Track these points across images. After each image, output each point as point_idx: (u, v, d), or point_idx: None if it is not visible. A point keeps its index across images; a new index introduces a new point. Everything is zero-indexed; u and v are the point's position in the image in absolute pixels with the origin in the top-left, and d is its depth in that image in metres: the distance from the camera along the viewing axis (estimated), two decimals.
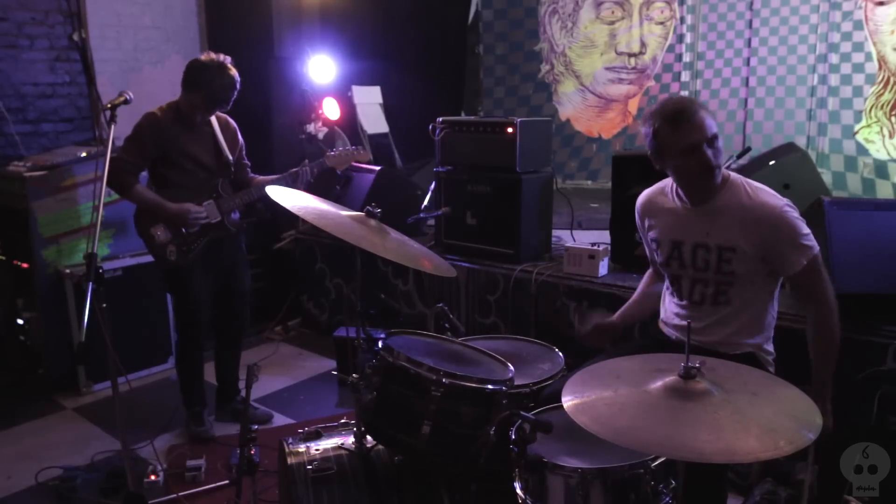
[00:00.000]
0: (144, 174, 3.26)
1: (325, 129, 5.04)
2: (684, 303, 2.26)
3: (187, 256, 3.22)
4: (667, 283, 2.33)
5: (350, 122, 5.21)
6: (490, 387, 1.98)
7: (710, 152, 2.04)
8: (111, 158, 3.10)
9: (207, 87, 3.10)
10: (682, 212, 2.21)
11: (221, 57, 3.15)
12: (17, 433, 3.52)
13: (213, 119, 3.29)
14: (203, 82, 3.09)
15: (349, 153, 3.43)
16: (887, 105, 5.08)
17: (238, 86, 3.17)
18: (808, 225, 2.74)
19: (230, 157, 3.31)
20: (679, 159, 2.08)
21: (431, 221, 4.22)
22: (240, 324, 3.58)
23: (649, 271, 2.51)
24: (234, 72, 3.15)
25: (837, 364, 2.64)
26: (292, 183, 3.25)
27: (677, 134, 2.05)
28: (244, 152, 3.45)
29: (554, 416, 1.74)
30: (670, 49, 6.23)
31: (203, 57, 3.15)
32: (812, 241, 2.08)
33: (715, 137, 2.06)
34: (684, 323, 1.79)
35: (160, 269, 3.35)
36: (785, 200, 2.10)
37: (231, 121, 3.39)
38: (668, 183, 2.29)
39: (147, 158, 3.17)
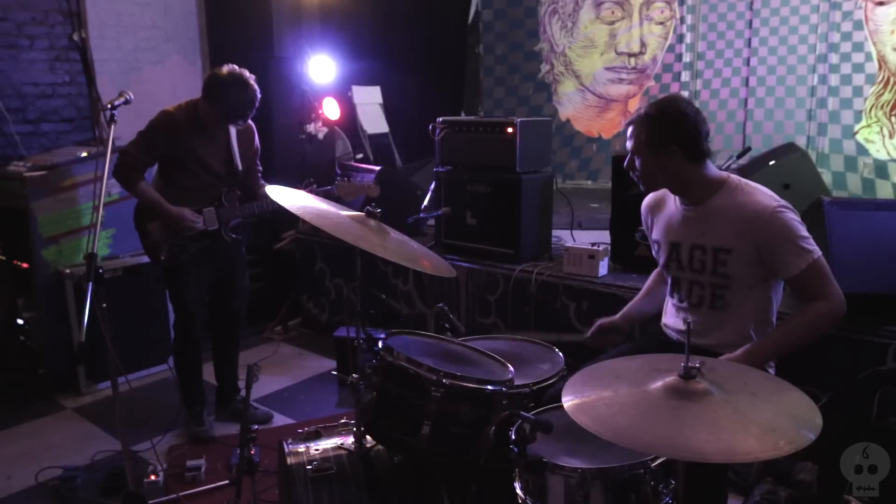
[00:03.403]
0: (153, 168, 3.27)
1: (325, 129, 5.04)
2: (684, 305, 2.26)
3: (178, 258, 3.22)
4: (668, 284, 2.34)
5: (350, 122, 5.21)
6: (490, 387, 1.98)
7: (637, 161, 2.15)
8: (120, 151, 3.15)
9: (224, 102, 3.06)
10: (680, 213, 2.22)
11: (242, 73, 3.10)
12: (17, 433, 3.52)
13: None
14: (220, 96, 3.06)
15: (360, 186, 3.40)
16: (887, 105, 5.08)
17: (257, 103, 3.12)
18: (809, 225, 2.76)
19: (240, 166, 3.29)
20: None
21: (431, 221, 4.22)
22: (236, 324, 3.59)
23: (657, 270, 2.50)
24: (253, 89, 3.10)
25: (837, 364, 2.65)
26: None
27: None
28: (258, 157, 3.44)
29: (554, 416, 1.74)
30: (670, 49, 6.23)
31: (224, 70, 3.11)
32: (811, 246, 2.03)
33: (640, 152, 2.13)
34: (684, 325, 1.79)
35: (158, 267, 3.35)
36: (781, 202, 2.07)
37: (251, 124, 3.34)
38: None
39: (155, 156, 3.17)
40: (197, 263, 3.27)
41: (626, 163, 2.20)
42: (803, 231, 2.05)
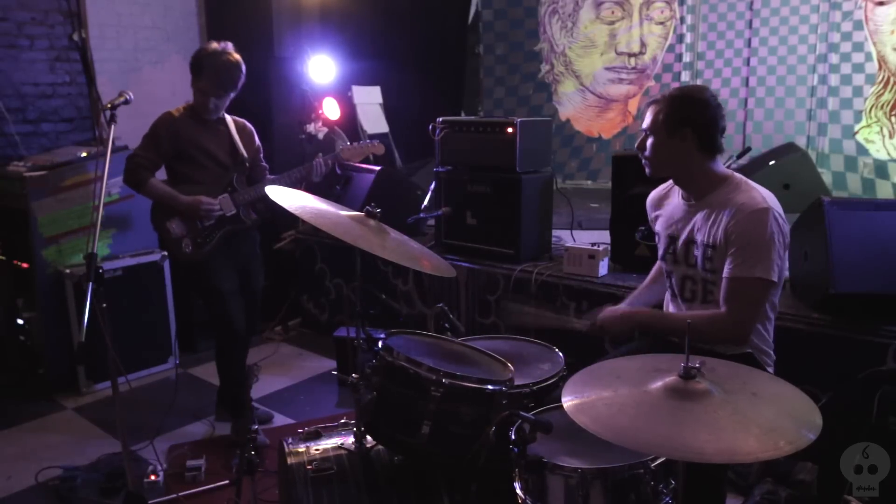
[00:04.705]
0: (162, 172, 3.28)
1: (325, 129, 5.04)
2: (679, 300, 2.26)
3: (202, 249, 3.21)
4: (666, 278, 2.34)
5: (350, 122, 5.21)
6: (490, 387, 1.98)
7: (649, 141, 2.14)
8: (127, 156, 3.18)
9: (210, 69, 3.13)
10: (680, 207, 2.23)
11: (223, 44, 3.19)
12: (17, 433, 3.52)
13: (230, 121, 3.31)
14: (206, 65, 3.13)
15: (364, 146, 3.46)
16: (887, 105, 5.08)
17: (243, 69, 3.19)
18: (808, 224, 2.77)
19: (245, 154, 3.32)
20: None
21: (431, 221, 4.22)
22: (250, 324, 3.57)
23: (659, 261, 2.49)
24: (236, 56, 3.18)
25: (837, 364, 2.65)
26: (307, 176, 3.30)
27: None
28: (261, 155, 3.47)
29: (554, 416, 1.74)
30: (670, 49, 6.23)
31: (206, 44, 3.21)
32: (768, 265, 1.97)
33: (655, 130, 2.13)
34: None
35: (181, 271, 3.34)
36: (777, 208, 2.02)
37: (248, 125, 3.42)
38: None
39: (162, 156, 3.19)
40: (220, 257, 3.26)
41: (637, 143, 2.21)
42: (775, 248, 1.99)
